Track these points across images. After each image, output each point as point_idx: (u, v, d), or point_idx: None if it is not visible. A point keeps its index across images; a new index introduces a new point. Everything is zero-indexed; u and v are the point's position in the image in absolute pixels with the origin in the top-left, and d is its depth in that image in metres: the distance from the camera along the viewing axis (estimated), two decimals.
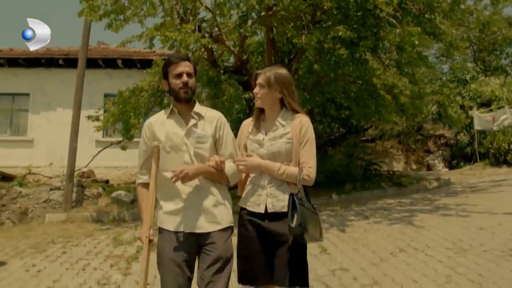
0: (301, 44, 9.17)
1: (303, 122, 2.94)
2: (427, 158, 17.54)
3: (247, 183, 3.05)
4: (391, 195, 10.97)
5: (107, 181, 13.31)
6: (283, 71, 3.05)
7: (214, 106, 10.45)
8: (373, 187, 11.56)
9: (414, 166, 17.59)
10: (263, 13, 10.01)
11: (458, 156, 17.65)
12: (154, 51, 14.30)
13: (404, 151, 17.80)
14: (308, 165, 2.86)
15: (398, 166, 17.29)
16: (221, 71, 11.28)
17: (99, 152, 13.38)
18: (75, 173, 11.82)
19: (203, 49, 10.43)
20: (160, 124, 3.02)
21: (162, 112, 3.14)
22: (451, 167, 17.36)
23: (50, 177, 13.29)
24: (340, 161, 12.20)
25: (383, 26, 9.90)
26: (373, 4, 8.94)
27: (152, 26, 10.14)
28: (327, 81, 10.95)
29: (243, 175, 3.07)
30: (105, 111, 11.91)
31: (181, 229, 2.85)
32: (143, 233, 2.89)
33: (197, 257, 2.91)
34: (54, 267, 6.15)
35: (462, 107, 16.63)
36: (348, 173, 11.70)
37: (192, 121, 2.98)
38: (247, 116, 12.22)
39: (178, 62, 2.97)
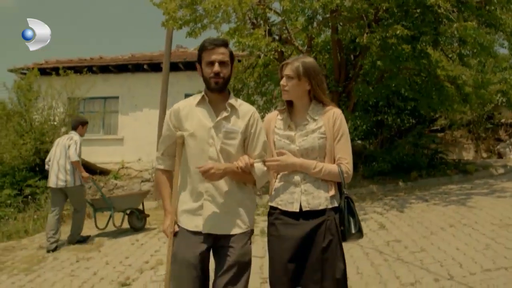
0: (363, 43, 9.88)
1: (336, 115, 2.80)
2: (498, 147, 17.57)
3: (278, 179, 2.89)
4: (456, 181, 11.41)
5: None
6: (310, 60, 2.88)
7: None
8: (438, 175, 12.01)
9: (484, 155, 17.65)
10: (327, 15, 10.82)
11: None
12: None
13: (474, 140, 17.91)
14: (345, 161, 2.74)
15: (468, 155, 17.46)
16: None
17: None
18: None
19: (273, 51, 11.37)
20: (188, 112, 2.86)
21: (192, 98, 2.95)
22: None
23: (140, 171, 14.79)
24: (407, 151, 12.74)
25: (442, 21, 10.41)
26: (431, 1, 9.50)
27: (226, 31, 11.22)
28: (391, 75, 11.57)
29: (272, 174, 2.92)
30: None
31: (199, 229, 2.71)
32: (167, 226, 2.80)
33: (214, 259, 2.81)
34: (153, 241, 7.40)
35: None
36: (414, 161, 12.23)
37: (224, 114, 2.81)
38: None
39: (213, 48, 2.76)
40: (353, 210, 2.69)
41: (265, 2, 10.42)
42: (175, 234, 2.77)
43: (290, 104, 2.91)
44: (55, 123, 13.53)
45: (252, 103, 12.72)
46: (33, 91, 13.89)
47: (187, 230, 2.74)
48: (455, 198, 8.46)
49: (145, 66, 16.60)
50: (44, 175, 12.66)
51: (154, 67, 16.32)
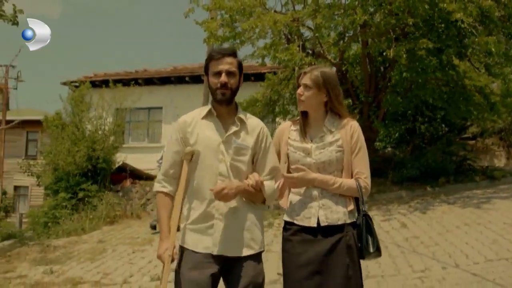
0: (390, 56, 10.59)
1: (353, 127, 2.72)
2: None
3: (293, 192, 2.79)
4: (483, 187, 11.87)
5: None
6: (330, 70, 2.81)
7: None
8: (466, 180, 12.45)
9: None
10: (357, 31, 11.57)
11: None
12: (265, 65, 16.36)
13: (506, 147, 18.22)
14: (363, 176, 2.68)
15: (499, 162, 17.75)
16: None
17: None
18: None
19: (307, 65, 12.18)
20: (195, 125, 2.70)
21: (198, 110, 2.80)
22: None
23: None
24: (435, 157, 13.27)
25: (466, 34, 11.03)
26: (455, 17, 10.12)
27: (262, 46, 12.08)
28: (417, 86, 12.20)
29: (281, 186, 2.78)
30: None
31: (209, 251, 2.55)
32: (164, 250, 2.57)
33: (224, 281, 2.65)
34: None
35: None
36: (441, 168, 12.76)
37: (233, 128, 2.67)
38: None
39: (220, 58, 2.63)
40: (372, 228, 2.63)
41: (299, 20, 11.24)
42: (173, 260, 2.59)
43: (305, 115, 2.81)
44: (105, 132, 14.64)
45: (287, 113, 13.56)
46: (85, 102, 15.08)
47: (195, 252, 2.57)
48: (476, 201, 9.03)
49: (186, 79, 17.76)
50: (95, 179, 13.87)
51: (195, 79, 17.45)
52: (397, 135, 16.34)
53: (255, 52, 12.24)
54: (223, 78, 2.59)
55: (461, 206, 8.70)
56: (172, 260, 2.56)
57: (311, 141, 2.73)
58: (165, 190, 2.69)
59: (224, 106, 2.68)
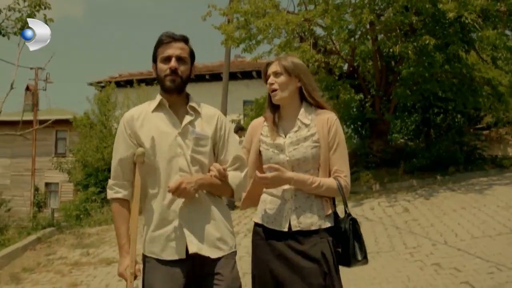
0: (396, 52, 11.18)
1: (331, 120, 2.48)
2: None
3: (264, 192, 2.59)
4: (491, 175, 12.34)
5: None
6: (297, 59, 2.61)
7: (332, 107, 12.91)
8: (476, 169, 12.94)
9: None
10: (367, 28, 12.17)
11: None
12: None
13: None
14: (343, 174, 2.46)
15: None
16: (336, 77, 13.57)
17: None
18: None
19: (318, 62, 12.81)
20: (144, 119, 2.43)
21: (146, 103, 2.54)
22: None
23: None
24: (446, 147, 13.77)
25: (470, 30, 11.56)
26: (449, 17, 10.58)
27: (278, 43, 12.74)
28: (425, 80, 12.74)
29: (250, 182, 2.54)
30: (245, 116, 14.90)
31: (175, 256, 2.31)
32: (125, 267, 2.35)
33: None
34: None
35: None
36: (452, 157, 13.26)
37: (188, 118, 2.42)
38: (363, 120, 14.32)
39: (170, 42, 2.39)
40: (359, 233, 2.42)
41: (310, 20, 11.88)
42: (136, 277, 2.37)
43: (276, 107, 2.60)
44: None
45: None
46: (111, 102, 16.00)
47: (162, 261, 2.33)
48: (478, 188, 9.54)
49: (207, 77, 18.61)
50: None
51: (215, 77, 18.25)
52: (413, 126, 16.87)
53: (272, 49, 12.93)
54: (173, 63, 2.36)
55: (463, 192, 9.23)
56: (135, 278, 2.35)
57: (285, 136, 2.53)
58: (119, 195, 2.45)
59: (174, 95, 2.44)
